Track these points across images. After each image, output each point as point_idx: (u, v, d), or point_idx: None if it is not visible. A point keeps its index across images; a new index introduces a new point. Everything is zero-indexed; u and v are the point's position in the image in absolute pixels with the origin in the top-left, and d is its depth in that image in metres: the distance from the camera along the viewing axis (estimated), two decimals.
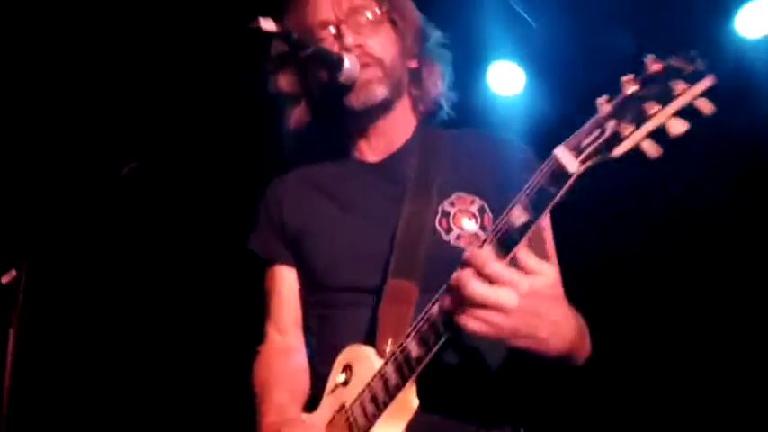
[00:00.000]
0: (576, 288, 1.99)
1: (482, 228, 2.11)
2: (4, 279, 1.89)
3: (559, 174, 1.60)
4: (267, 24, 1.93)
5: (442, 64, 2.40)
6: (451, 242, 2.09)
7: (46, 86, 4.23)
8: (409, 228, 2.11)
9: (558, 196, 1.61)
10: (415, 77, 2.37)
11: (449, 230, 2.11)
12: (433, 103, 2.38)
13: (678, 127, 1.48)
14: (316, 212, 2.28)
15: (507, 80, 4.81)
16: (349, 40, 2.20)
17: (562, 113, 4.55)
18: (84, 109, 4.30)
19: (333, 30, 2.24)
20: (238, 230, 2.43)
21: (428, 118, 2.40)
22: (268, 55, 2.10)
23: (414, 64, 2.35)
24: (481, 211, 2.14)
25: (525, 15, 4.58)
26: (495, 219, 2.07)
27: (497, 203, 2.08)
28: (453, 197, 2.15)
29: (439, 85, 2.37)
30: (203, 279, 4.82)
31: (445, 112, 2.42)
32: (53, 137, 4.22)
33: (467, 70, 4.70)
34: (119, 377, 4.63)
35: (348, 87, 2.19)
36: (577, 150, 1.58)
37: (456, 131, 2.34)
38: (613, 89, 1.55)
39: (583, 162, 1.58)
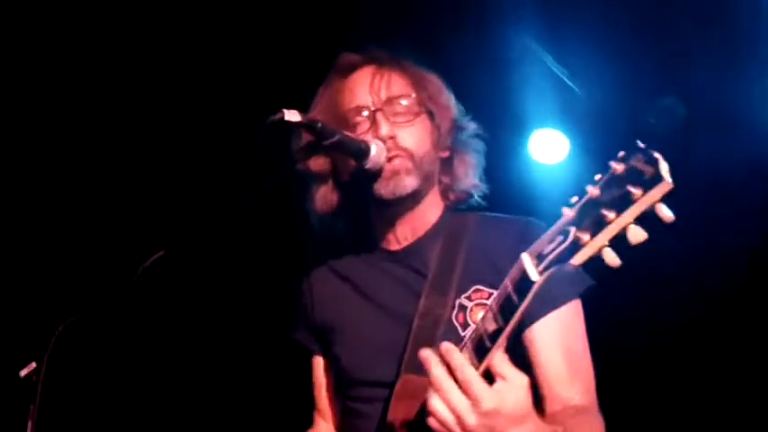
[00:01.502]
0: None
1: None
2: (24, 372, 1.91)
3: (523, 281, 1.60)
4: (291, 116, 1.96)
5: (475, 154, 2.42)
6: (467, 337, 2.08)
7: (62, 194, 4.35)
8: (425, 322, 2.12)
9: (522, 306, 1.60)
10: (446, 166, 2.40)
11: (465, 325, 2.11)
12: (463, 192, 2.41)
13: (637, 236, 1.44)
14: (342, 307, 2.33)
15: (550, 148, 4.82)
16: (384, 130, 2.23)
17: None
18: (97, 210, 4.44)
19: (366, 114, 2.27)
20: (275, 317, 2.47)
21: (456, 205, 2.42)
22: (294, 144, 2.16)
23: (446, 153, 2.39)
24: None
25: (569, 81, 4.57)
26: None
27: None
28: (471, 290, 2.15)
29: (470, 175, 2.39)
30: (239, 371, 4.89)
31: (475, 200, 2.44)
32: (69, 235, 4.34)
33: (508, 137, 4.73)
34: None
35: (376, 174, 2.22)
36: (539, 258, 1.57)
37: (480, 217, 2.35)
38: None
39: (543, 271, 1.56)
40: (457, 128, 2.38)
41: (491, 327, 1.66)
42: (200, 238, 2.05)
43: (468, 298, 2.14)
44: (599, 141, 4.66)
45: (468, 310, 2.12)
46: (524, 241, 2.15)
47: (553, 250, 1.54)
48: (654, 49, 4.15)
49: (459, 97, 2.44)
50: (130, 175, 4.45)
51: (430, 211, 2.35)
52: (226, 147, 4.18)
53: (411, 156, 2.24)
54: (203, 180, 4.34)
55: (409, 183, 2.23)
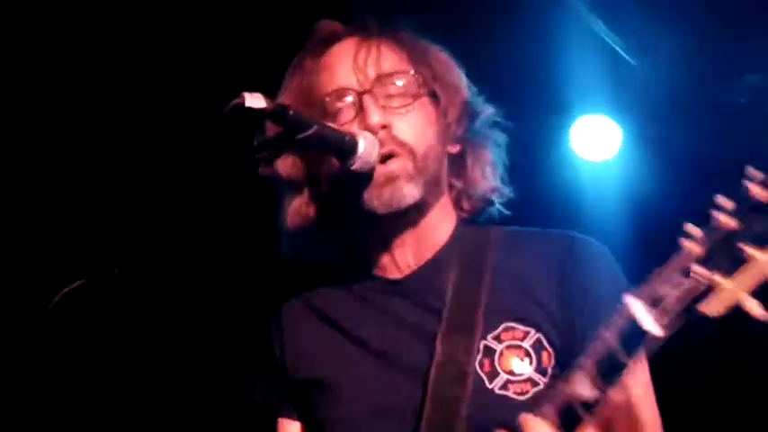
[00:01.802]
0: None
1: (539, 370, 2.08)
2: None
3: (634, 334, 1.59)
4: (254, 101, 1.93)
5: (494, 147, 2.39)
6: (496, 390, 2.07)
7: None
8: (444, 374, 2.10)
9: (630, 365, 1.61)
10: (458, 166, 2.36)
11: (493, 375, 2.09)
12: (481, 199, 2.36)
13: None
14: (327, 355, 2.29)
15: (597, 139, 4.80)
16: (374, 118, 2.19)
17: (672, 187, 4.47)
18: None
19: (351, 99, 2.24)
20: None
21: (473, 216, 2.39)
22: (260, 137, 2.12)
23: (456, 148, 2.35)
24: (537, 346, 2.11)
25: (622, 52, 4.53)
26: (557, 356, 2.07)
27: (561, 335, 2.08)
28: (500, 329, 2.13)
29: (488, 175, 2.36)
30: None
31: (496, 210, 2.40)
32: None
33: (543, 126, 4.74)
34: None
35: (365, 179, 2.18)
36: (654, 304, 1.57)
37: (505, 232, 2.32)
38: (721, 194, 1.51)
39: (665, 325, 1.56)
40: (469, 114, 2.35)
41: (586, 391, 1.66)
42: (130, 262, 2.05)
43: (497, 338, 2.12)
44: (662, 131, 4.65)
45: (496, 355, 2.10)
46: (569, 263, 2.18)
47: (677, 297, 1.55)
48: (734, 9, 4.06)
49: (476, 75, 2.42)
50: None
51: (439, 225, 2.32)
52: (171, 142, 4.21)
53: (411, 153, 2.21)
54: (145, 182, 4.42)
55: (410, 191, 2.19)
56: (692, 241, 1.52)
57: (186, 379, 5.05)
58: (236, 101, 1.92)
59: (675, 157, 4.62)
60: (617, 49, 4.51)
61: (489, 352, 2.10)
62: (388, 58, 2.27)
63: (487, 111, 2.37)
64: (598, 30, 4.42)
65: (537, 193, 4.35)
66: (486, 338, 2.11)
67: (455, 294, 2.19)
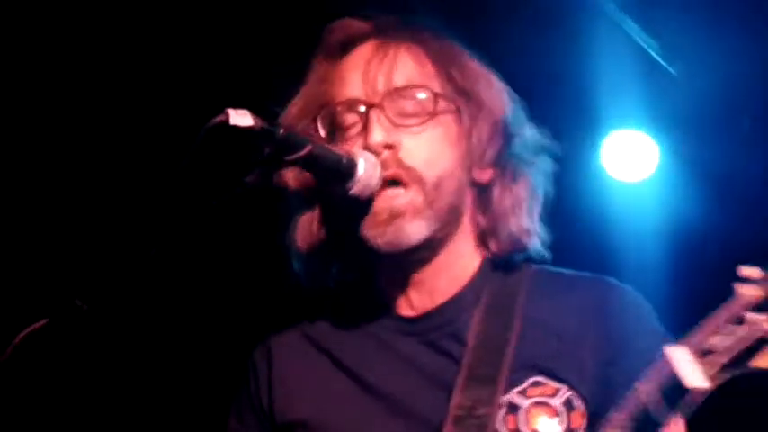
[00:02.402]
0: None
1: (569, 431, 2.09)
2: None
3: (674, 387, 1.61)
4: (239, 119, 1.94)
5: (533, 177, 2.31)
6: None
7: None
8: (460, 425, 2.11)
9: (669, 423, 1.64)
10: (484, 196, 2.30)
11: None
12: (510, 241, 2.28)
13: None
14: (324, 397, 2.27)
15: (631, 157, 4.79)
16: (375, 137, 2.17)
17: (714, 212, 4.47)
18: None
19: (362, 110, 2.23)
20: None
21: (501, 258, 2.32)
22: (252, 159, 2.10)
23: (484, 176, 2.28)
24: (568, 404, 2.12)
25: (660, 59, 4.54)
26: (589, 417, 2.08)
27: (595, 394, 2.09)
28: (527, 383, 2.13)
29: (520, 212, 2.27)
30: None
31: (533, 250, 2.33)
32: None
33: (571, 141, 4.63)
34: None
35: (366, 207, 2.18)
36: (702, 354, 1.59)
37: (538, 272, 2.30)
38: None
39: (713, 376, 1.57)
40: (503, 135, 2.27)
41: None
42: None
43: (524, 393, 2.13)
44: (704, 146, 4.66)
45: (521, 412, 2.11)
46: (605, 313, 2.20)
47: (728, 347, 1.56)
48: None
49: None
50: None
51: (459, 262, 2.30)
52: (154, 160, 4.29)
53: (420, 181, 2.18)
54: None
55: (416, 230, 2.18)
56: (748, 285, 1.53)
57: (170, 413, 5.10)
58: (220, 118, 1.93)
59: (719, 177, 4.61)
60: (653, 55, 4.53)
61: (514, 408, 2.11)
62: (406, 66, 2.25)
63: (530, 132, 2.31)
64: (632, 33, 4.42)
65: (563, 217, 4.33)
66: (510, 392, 2.12)
67: (478, 340, 2.19)
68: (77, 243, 4.65)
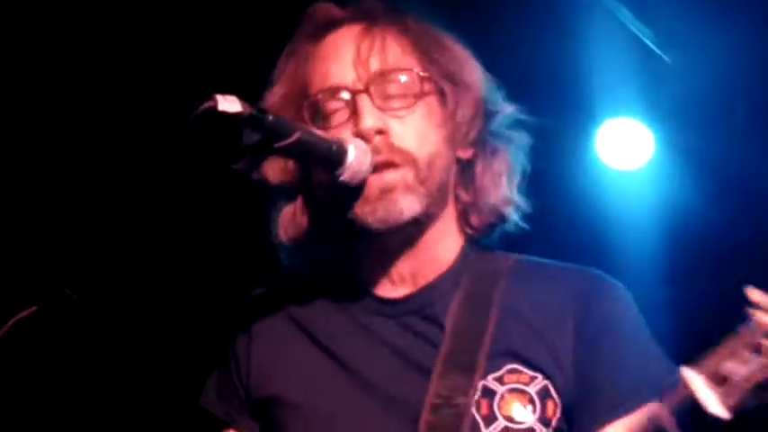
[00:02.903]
0: None
1: (542, 420, 2.10)
2: None
3: (692, 413, 1.59)
4: (228, 105, 1.93)
5: (511, 152, 2.36)
6: None
7: None
8: (438, 416, 2.11)
9: None
10: (467, 174, 2.34)
11: (491, 420, 2.11)
12: (491, 213, 2.34)
13: None
14: (303, 376, 2.28)
15: (626, 146, 4.79)
16: (367, 122, 2.19)
17: (709, 201, 4.46)
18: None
19: (346, 97, 2.24)
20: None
21: (482, 234, 2.37)
22: (237, 145, 2.10)
23: (467, 154, 2.33)
24: (543, 394, 2.12)
25: (654, 47, 4.52)
26: (564, 408, 2.09)
27: (572, 384, 2.10)
28: (504, 370, 2.14)
29: (501, 184, 2.33)
30: None
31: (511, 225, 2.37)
32: None
33: (565, 130, 4.71)
34: None
35: (356, 191, 2.18)
36: (719, 382, 1.55)
37: (519, 262, 2.33)
38: None
39: (731, 407, 1.54)
40: (483, 114, 2.32)
41: None
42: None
43: (500, 380, 2.13)
44: (699, 135, 4.65)
45: (496, 397, 2.11)
46: (585, 303, 2.21)
47: (746, 376, 1.54)
48: None
49: (489, 72, 2.40)
50: None
51: (442, 243, 2.32)
52: (140, 148, 4.28)
53: (412, 161, 2.20)
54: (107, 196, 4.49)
55: (409, 205, 2.19)
56: (763, 312, 1.51)
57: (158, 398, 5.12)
58: (208, 104, 1.92)
59: (714, 166, 4.60)
60: (648, 43, 4.51)
61: (488, 393, 2.12)
62: (391, 50, 2.26)
63: (505, 109, 2.35)
64: (626, 21, 4.41)
65: (557, 205, 4.35)
66: (486, 379, 2.13)
67: (457, 326, 2.20)
68: (67, 232, 4.65)
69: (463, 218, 2.34)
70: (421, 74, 2.26)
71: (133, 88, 4.55)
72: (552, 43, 4.37)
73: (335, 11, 2.36)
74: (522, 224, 2.35)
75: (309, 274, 2.41)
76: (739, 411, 1.54)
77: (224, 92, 1.93)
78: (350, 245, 2.34)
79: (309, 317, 2.34)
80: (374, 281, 2.32)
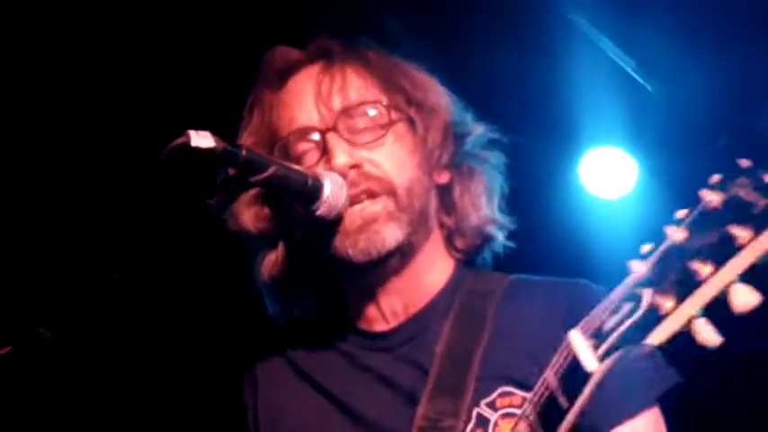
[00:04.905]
0: None
1: None
2: None
3: (573, 374, 1.58)
4: (201, 140, 1.93)
5: (487, 172, 2.38)
6: None
7: None
8: None
9: (573, 413, 1.59)
10: (446, 198, 2.35)
11: None
12: (475, 235, 2.34)
13: (746, 299, 1.42)
14: (300, 414, 2.31)
15: (610, 174, 4.80)
16: (339, 159, 2.19)
17: None
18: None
19: (316, 137, 2.25)
20: None
21: (471, 256, 2.38)
22: (212, 183, 2.11)
23: (443, 178, 2.34)
24: None
25: (636, 76, 4.52)
26: None
27: None
28: (495, 394, 2.14)
29: (480, 205, 2.34)
30: None
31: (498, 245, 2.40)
32: None
33: (549, 159, 4.73)
34: None
35: (333, 225, 2.18)
36: (597, 337, 1.56)
37: (511, 282, 2.33)
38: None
39: (604, 356, 1.54)
40: (454, 136, 2.34)
41: None
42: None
43: (492, 405, 2.13)
44: (681, 164, 4.62)
45: (490, 425, 2.11)
46: (574, 315, 2.16)
47: (618, 325, 1.53)
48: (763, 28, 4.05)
49: (474, 100, 2.43)
50: None
51: (431, 270, 2.33)
52: (114, 186, 4.25)
53: (391, 189, 2.21)
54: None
55: (390, 233, 2.19)
56: (640, 261, 1.51)
57: None
58: (181, 140, 1.92)
59: (696, 194, 4.55)
60: (631, 72, 4.51)
61: (483, 422, 2.11)
62: (353, 86, 2.28)
63: (476, 130, 2.36)
64: (608, 51, 4.41)
65: (541, 233, 4.32)
66: (479, 405, 2.12)
67: (446, 350, 2.19)
68: (41, 270, 4.59)
69: (449, 242, 2.35)
70: (386, 103, 2.27)
71: (104, 124, 4.52)
72: (537, 73, 4.38)
73: (292, 54, 2.38)
74: (508, 243, 2.37)
75: (302, 315, 2.42)
76: (613, 361, 1.54)
77: (197, 127, 1.94)
78: (336, 284, 2.35)
79: (309, 361, 2.36)
80: (365, 317, 2.32)
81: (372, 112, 2.26)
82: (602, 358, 1.55)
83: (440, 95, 2.35)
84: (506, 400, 2.13)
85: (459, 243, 2.35)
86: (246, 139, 2.32)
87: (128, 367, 4.92)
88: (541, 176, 4.57)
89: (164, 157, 1.91)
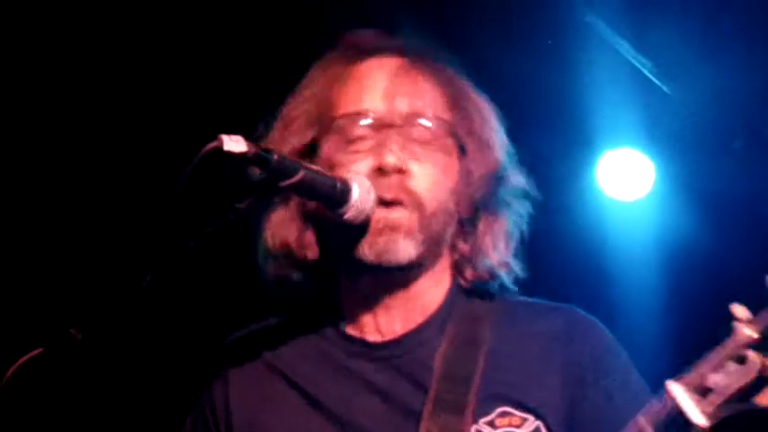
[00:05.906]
0: None
1: None
2: None
3: (673, 423, 1.62)
4: (233, 145, 1.93)
5: (514, 219, 2.35)
6: None
7: None
8: None
9: None
10: (466, 228, 2.33)
11: None
12: (486, 272, 2.32)
13: None
14: (282, 423, 2.26)
15: (626, 176, 4.78)
16: (390, 158, 2.17)
17: (710, 232, 4.45)
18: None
19: (370, 123, 2.22)
20: None
21: (471, 286, 2.36)
22: (241, 185, 2.09)
23: (468, 212, 2.32)
24: None
25: (654, 78, 4.52)
26: None
27: (562, 423, 2.11)
28: (495, 414, 2.14)
29: (500, 248, 2.32)
30: None
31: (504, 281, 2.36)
32: None
33: (565, 161, 4.73)
34: None
35: (359, 229, 2.17)
36: (701, 393, 1.59)
37: (509, 303, 2.33)
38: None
39: (711, 414, 1.57)
40: (497, 179, 2.32)
41: None
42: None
43: (491, 424, 2.13)
44: (698, 165, 4.63)
45: None
46: (570, 343, 2.22)
47: (727, 385, 1.57)
48: None
49: (490, 101, 2.39)
50: None
51: (432, 289, 2.31)
52: (146, 188, 4.23)
53: (420, 206, 2.20)
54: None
55: (406, 248, 2.19)
56: (746, 324, 1.54)
57: None
58: (213, 144, 1.92)
59: (713, 196, 4.57)
60: (648, 74, 4.51)
61: None
62: (426, 95, 2.27)
63: (516, 179, 2.34)
64: (625, 53, 4.41)
65: (558, 235, 4.32)
66: (478, 423, 2.12)
67: (446, 368, 2.19)
68: (72, 272, 4.64)
69: (457, 268, 2.34)
70: (449, 124, 2.26)
71: (139, 128, 4.56)
72: (554, 76, 4.38)
73: (376, 39, 2.36)
74: (513, 286, 2.34)
75: (289, 317, 2.39)
76: (718, 420, 1.58)
77: (229, 132, 1.94)
78: (335, 283, 2.32)
79: (290, 366, 2.32)
80: (359, 325, 2.30)
81: (432, 126, 2.25)
82: (712, 415, 1.59)
83: (497, 133, 2.33)
84: (506, 420, 2.13)
85: (468, 273, 2.33)
86: (301, 104, 2.31)
87: (153, 369, 4.94)
88: (558, 178, 4.55)
89: (197, 162, 1.91)
